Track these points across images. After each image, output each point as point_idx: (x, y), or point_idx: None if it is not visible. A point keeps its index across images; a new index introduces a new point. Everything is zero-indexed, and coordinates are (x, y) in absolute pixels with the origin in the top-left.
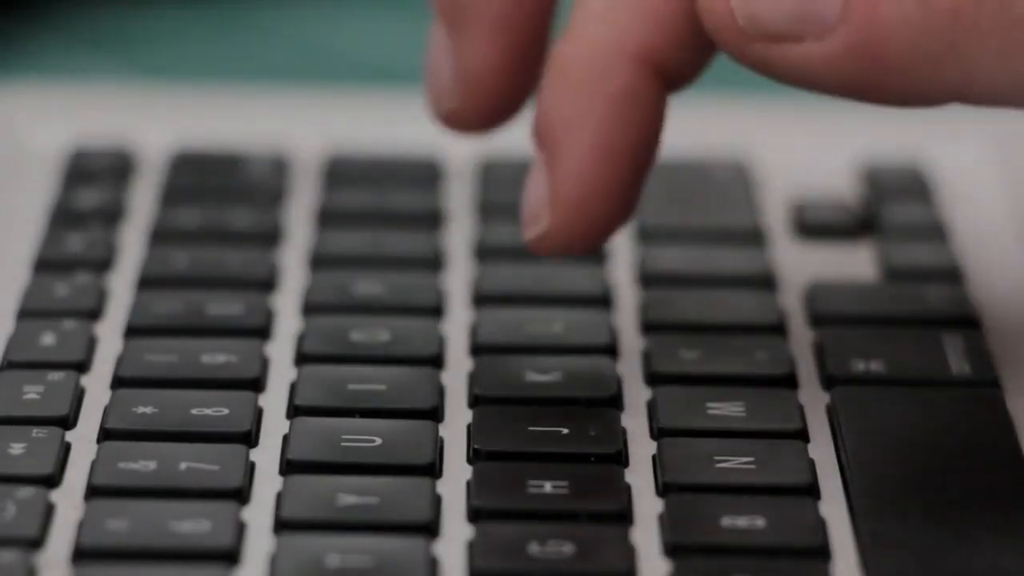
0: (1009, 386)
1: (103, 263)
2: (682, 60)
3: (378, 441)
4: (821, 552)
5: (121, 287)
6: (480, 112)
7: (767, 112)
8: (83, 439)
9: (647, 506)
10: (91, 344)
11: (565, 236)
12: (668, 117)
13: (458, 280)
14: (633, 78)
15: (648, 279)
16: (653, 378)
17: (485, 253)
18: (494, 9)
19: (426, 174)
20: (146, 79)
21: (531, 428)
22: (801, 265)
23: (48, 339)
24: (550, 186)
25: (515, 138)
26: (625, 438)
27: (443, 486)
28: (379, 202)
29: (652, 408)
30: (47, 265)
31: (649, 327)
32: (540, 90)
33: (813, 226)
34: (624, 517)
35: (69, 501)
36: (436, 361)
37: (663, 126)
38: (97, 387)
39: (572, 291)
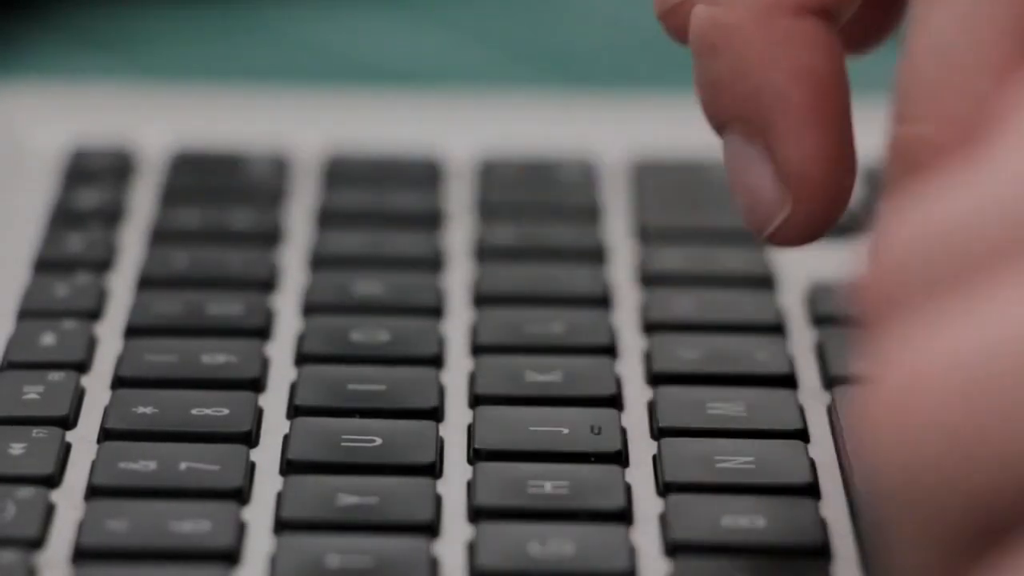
0: None
1: (103, 263)
2: None
3: (378, 441)
4: (821, 552)
5: (121, 287)
6: (816, 211)
7: None
8: (83, 439)
9: (647, 506)
10: (91, 344)
11: (810, 214)
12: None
13: (458, 280)
14: (806, 30)
15: (648, 279)
16: (653, 378)
17: (485, 253)
18: (798, 94)
19: (426, 174)
20: (146, 79)
21: (531, 428)
22: (801, 265)
23: (48, 339)
24: (782, 167)
25: (515, 138)
26: (625, 438)
27: (443, 486)
28: (379, 202)
29: (652, 408)
30: (47, 265)
31: (649, 327)
32: (723, 79)
33: None
34: (624, 517)
35: (69, 501)
36: (436, 361)
37: (845, 61)
38: (97, 387)
39: (572, 291)
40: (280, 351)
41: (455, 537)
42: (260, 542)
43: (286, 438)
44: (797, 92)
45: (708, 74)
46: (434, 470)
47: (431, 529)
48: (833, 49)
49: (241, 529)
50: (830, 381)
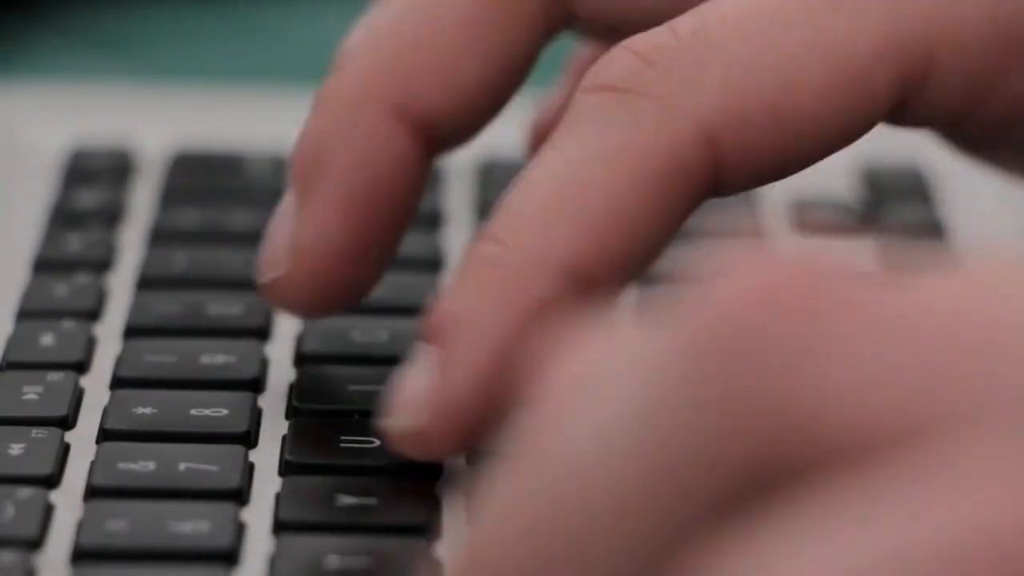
0: None
1: (103, 263)
2: (609, 274)
3: (377, 442)
4: None
5: (121, 287)
6: (304, 288)
7: None
8: (82, 439)
9: None
10: (90, 344)
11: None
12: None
13: None
14: (551, 290)
15: (647, 279)
16: None
17: None
18: (349, 183)
19: None
20: (146, 79)
21: None
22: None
23: (47, 339)
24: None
25: (514, 138)
26: None
27: (442, 487)
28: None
29: None
30: (47, 265)
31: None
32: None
33: (813, 226)
34: None
35: (68, 501)
36: None
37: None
38: (96, 387)
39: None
40: (279, 351)
41: (455, 538)
42: (259, 543)
43: (285, 439)
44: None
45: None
46: (433, 471)
47: (431, 530)
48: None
49: (240, 529)
50: None
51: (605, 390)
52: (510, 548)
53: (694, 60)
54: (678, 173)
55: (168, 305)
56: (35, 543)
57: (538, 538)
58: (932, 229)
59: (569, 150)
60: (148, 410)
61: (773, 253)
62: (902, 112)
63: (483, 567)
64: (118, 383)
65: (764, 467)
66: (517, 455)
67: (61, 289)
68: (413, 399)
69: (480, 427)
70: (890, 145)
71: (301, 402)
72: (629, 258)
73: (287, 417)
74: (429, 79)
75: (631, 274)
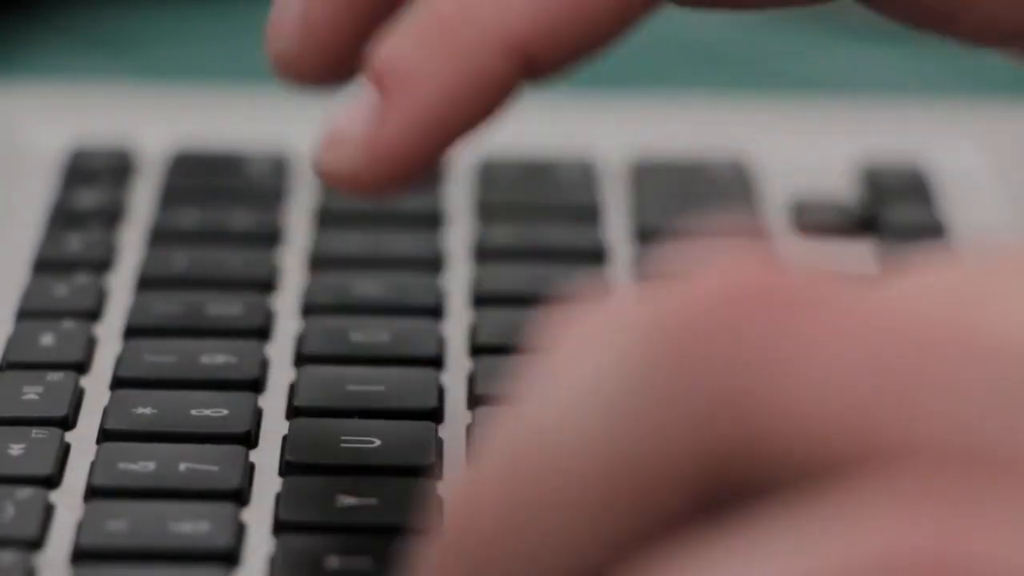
0: None
1: (103, 263)
2: (554, 57)
3: (377, 442)
4: None
5: (121, 287)
6: (313, 63)
7: (767, 112)
8: (82, 440)
9: None
10: (90, 344)
11: (367, 176)
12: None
13: (458, 280)
14: (498, 63)
15: (648, 279)
16: None
17: (485, 254)
18: None
19: None
20: (146, 79)
21: None
22: (799, 263)
23: (47, 339)
24: (377, 128)
25: (516, 139)
26: None
27: (443, 488)
28: (379, 202)
29: None
30: (47, 265)
31: None
32: (395, 33)
33: (813, 226)
34: None
35: (68, 502)
36: (436, 362)
37: (505, 107)
38: (96, 388)
39: (571, 291)
40: (279, 352)
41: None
42: (259, 543)
43: (285, 439)
44: None
45: None
46: (434, 471)
47: (431, 531)
48: None
49: (240, 530)
50: None
51: (584, 368)
52: (481, 509)
53: None
54: None
55: (168, 305)
56: (35, 543)
57: (506, 505)
58: (932, 229)
59: None
60: (148, 410)
61: (745, 256)
62: None
63: (461, 525)
64: (118, 383)
65: (715, 473)
66: (509, 419)
67: (61, 289)
68: (349, 140)
69: (409, 176)
70: (890, 145)
71: (301, 402)
72: (574, 47)
73: (287, 417)
74: None
75: (572, 64)
